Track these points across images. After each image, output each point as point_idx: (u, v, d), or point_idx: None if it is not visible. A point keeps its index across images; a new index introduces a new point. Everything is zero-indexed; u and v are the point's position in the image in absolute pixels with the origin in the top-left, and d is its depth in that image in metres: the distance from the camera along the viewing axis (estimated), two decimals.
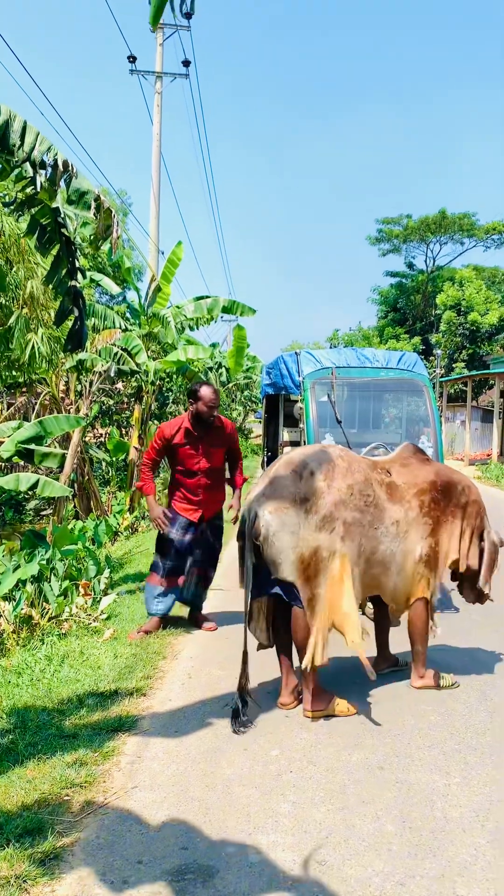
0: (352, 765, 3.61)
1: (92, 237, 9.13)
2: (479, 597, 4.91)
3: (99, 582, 6.51)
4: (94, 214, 5.18)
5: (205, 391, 5.39)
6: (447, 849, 2.92)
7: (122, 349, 12.24)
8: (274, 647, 4.44)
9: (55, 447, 10.59)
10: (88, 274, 13.20)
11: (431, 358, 35.94)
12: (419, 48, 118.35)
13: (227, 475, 6.05)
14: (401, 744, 3.85)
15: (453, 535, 4.60)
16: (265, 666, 4.69)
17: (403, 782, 3.44)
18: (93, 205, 5.19)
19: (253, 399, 34.64)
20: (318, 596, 4.02)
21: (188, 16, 19.65)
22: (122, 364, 12.25)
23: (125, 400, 16.45)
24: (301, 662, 4.10)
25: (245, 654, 4.08)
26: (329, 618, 4.04)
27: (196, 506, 5.68)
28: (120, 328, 12.37)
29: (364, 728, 4.04)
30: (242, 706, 4.03)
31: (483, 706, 4.38)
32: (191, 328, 14.12)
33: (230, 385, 30.38)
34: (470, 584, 4.87)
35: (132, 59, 19.11)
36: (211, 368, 26.52)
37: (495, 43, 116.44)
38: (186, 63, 20.10)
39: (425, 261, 47.92)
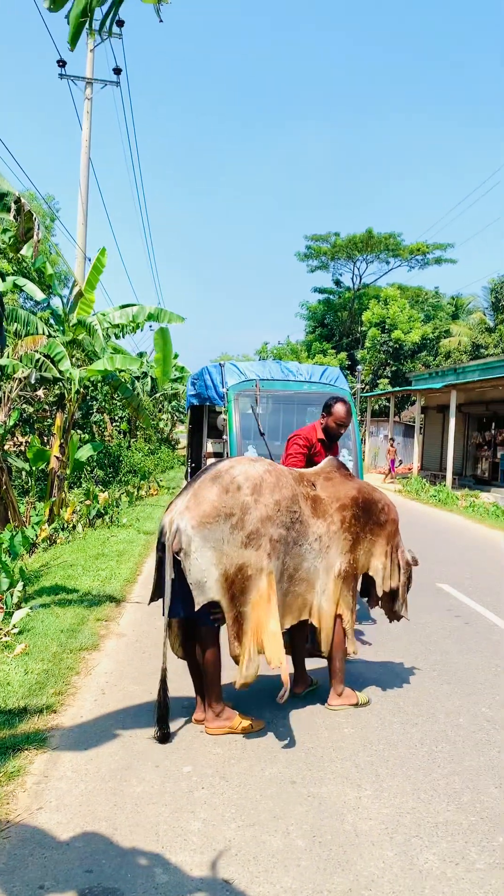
0: (264, 780, 3.58)
1: (11, 240, 8.90)
2: (396, 616, 4.99)
3: (12, 595, 6.30)
4: (14, 217, 5.05)
5: (338, 409, 5.13)
6: (356, 863, 2.92)
7: (44, 356, 11.97)
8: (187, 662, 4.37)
9: None
10: (12, 279, 12.87)
11: (357, 372, 36.58)
12: (350, 67, 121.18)
13: None
14: (314, 757, 3.85)
15: (370, 553, 4.65)
16: (181, 680, 4.62)
17: (315, 796, 3.44)
18: (13, 207, 5.06)
19: (180, 409, 34.48)
20: (245, 614, 3.95)
21: (116, 71, 19.55)
22: (45, 371, 11.98)
23: (46, 408, 16.09)
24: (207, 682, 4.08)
25: (164, 670, 3.99)
26: (256, 637, 3.97)
27: None
28: (44, 334, 12.09)
29: (278, 743, 4.02)
30: (161, 725, 3.94)
31: (397, 718, 4.43)
32: (116, 336, 13.94)
33: (157, 395, 30.18)
34: (389, 603, 4.93)
35: (62, 63, 18.86)
36: (138, 378, 26.28)
37: (426, 69, 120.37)
38: (118, 71, 19.99)
39: (352, 278, 48.94)
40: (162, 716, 3.95)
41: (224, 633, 4.08)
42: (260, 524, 4.01)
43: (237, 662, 4.00)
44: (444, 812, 3.34)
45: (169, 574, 3.94)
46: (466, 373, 24.42)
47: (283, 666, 3.97)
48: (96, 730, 4.09)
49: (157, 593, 4.21)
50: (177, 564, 3.94)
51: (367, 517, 4.61)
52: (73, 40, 3.36)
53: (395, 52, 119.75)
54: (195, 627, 4.14)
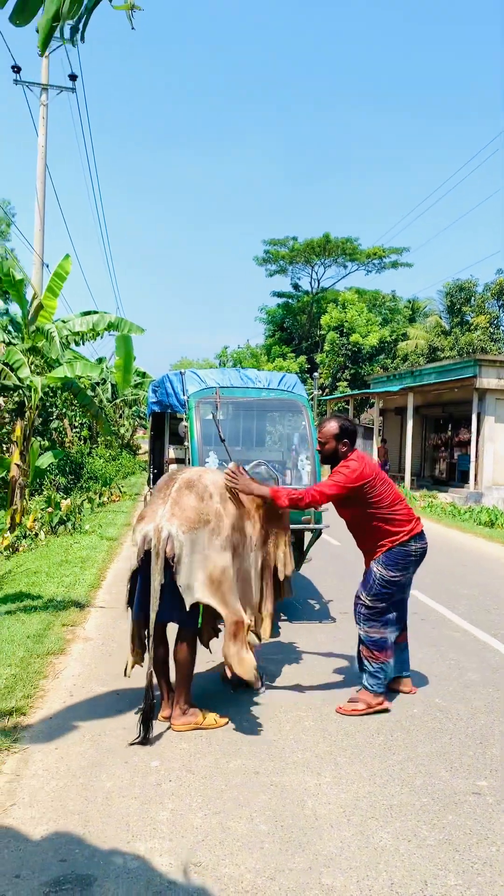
0: (229, 771, 3.76)
1: None
2: (288, 595, 5.23)
3: None
4: None
5: (321, 426, 4.84)
6: (315, 843, 3.12)
7: (2, 363, 11.99)
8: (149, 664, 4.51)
9: None
10: None
11: (316, 375, 36.96)
12: (302, 69, 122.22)
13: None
14: (276, 749, 4.04)
15: (276, 545, 4.94)
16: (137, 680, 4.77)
17: (277, 784, 3.63)
18: None
19: (141, 415, 34.42)
20: (236, 609, 4.25)
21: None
22: (4, 379, 11.99)
23: (6, 416, 16.03)
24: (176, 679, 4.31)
25: (149, 675, 4.14)
26: (246, 629, 4.29)
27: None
28: (2, 342, 12.11)
29: (242, 736, 4.20)
30: (145, 728, 4.06)
31: None
32: (76, 343, 13.99)
33: (117, 401, 30.11)
34: (284, 586, 5.15)
35: (16, 69, 18.81)
36: (98, 384, 26.21)
37: (381, 69, 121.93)
38: (73, 77, 20.01)
39: (310, 282, 49.36)
40: (146, 719, 4.06)
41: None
42: (230, 530, 4.33)
43: (230, 661, 4.27)
44: (398, 795, 3.56)
45: (159, 580, 4.10)
46: (423, 375, 24.90)
47: (249, 673, 4.27)
48: (66, 730, 4.22)
49: (134, 599, 4.35)
50: (166, 570, 4.11)
51: (273, 512, 4.86)
52: (44, 46, 3.26)
53: (347, 50, 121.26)
54: (164, 631, 4.31)
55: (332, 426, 4.75)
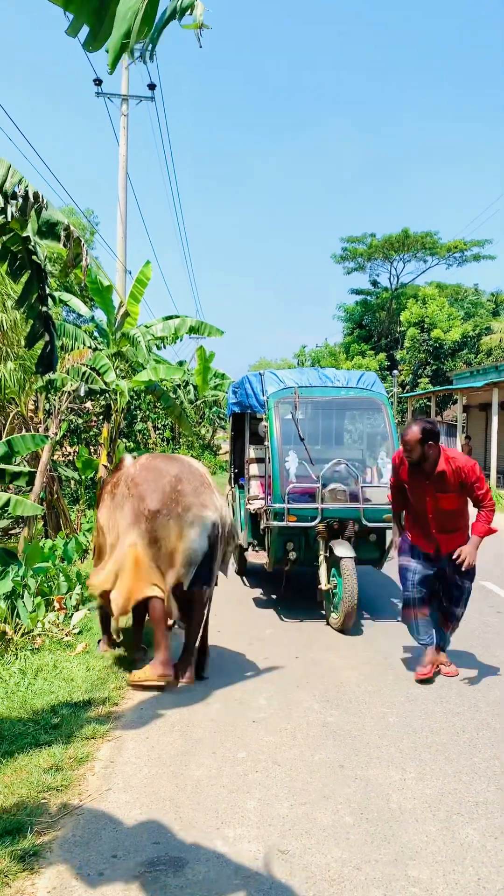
0: (314, 764, 3.83)
1: (62, 266, 9.32)
2: None
3: (71, 598, 6.66)
4: (64, 244, 5.40)
5: (404, 434, 4.86)
6: (401, 836, 3.15)
7: (90, 368, 12.40)
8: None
9: (25, 466, 10.69)
10: (57, 295, 13.35)
11: (396, 373, 36.52)
12: (381, 70, 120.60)
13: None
14: (360, 744, 4.09)
15: None
16: (232, 674, 4.90)
17: (362, 778, 3.67)
18: (62, 235, 5.40)
19: (221, 416, 34.84)
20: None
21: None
22: (91, 383, 12.41)
23: (93, 418, 16.57)
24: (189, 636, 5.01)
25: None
26: None
27: (430, 541, 5.16)
28: (89, 347, 12.53)
29: (326, 731, 4.27)
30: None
31: (439, 708, 4.64)
32: (158, 347, 14.34)
33: (198, 402, 30.59)
34: None
35: (98, 82, 19.39)
36: (179, 386, 26.71)
37: (458, 70, 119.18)
38: (152, 86, 20.45)
39: (389, 278, 48.77)
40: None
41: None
42: None
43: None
44: (484, 792, 3.55)
45: (219, 561, 5.10)
46: None
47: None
48: (156, 720, 4.39)
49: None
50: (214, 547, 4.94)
51: None
52: (114, 65, 3.38)
53: (417, 46, 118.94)
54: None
55: (415, 432, 4.78)
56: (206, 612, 5.11)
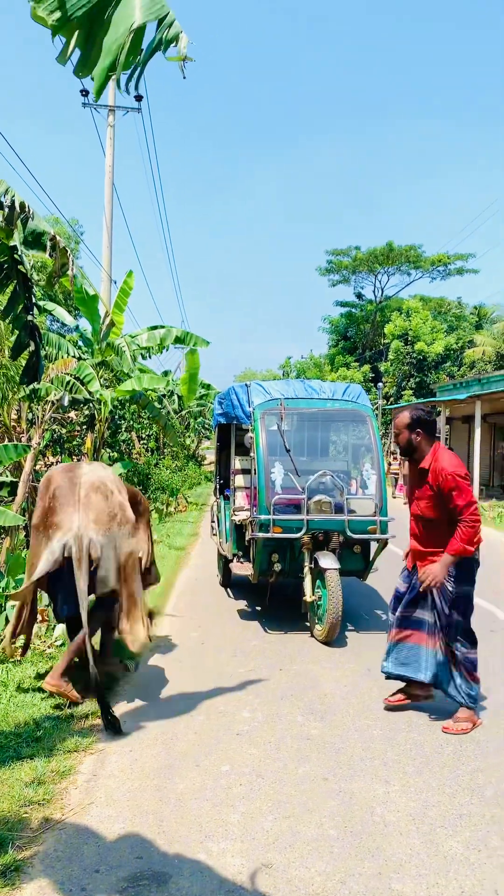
0: (298, 777, 3.82)
1: (48, 275, 9.31)
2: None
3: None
4: (50, 254, 5.40)
5: (395, 416, 4.59)
6: (385, 849, 3.15)
7: (74, 378, 12.35)
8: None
9: (7, 476, 10.62)
10: (42, 304, 13.31)
11: (381, 385, 36.69)
12: (364, 82, 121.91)
13: None
14: (344, 756, 4.08)
15: (145, 534, 5.58)
16: (216, 686, 4.87)
17: (346, 791, 3.67)
18: (48, 245, 5.40)
19: (206, 426, 34.83)
20: (134, 591, 4.94)
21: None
22: (75, 392, 12.35)
23: (77, 428, 16.50)
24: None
25: (96, 675, 4.43)
26: (144, 605, 5.07)
27: (411, 551, 4.81)
28: (74, 357, 12.49)
29: (310, 744, 4.25)
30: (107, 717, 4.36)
31: (422, 720, 4.64)
32: (143, 357, 14.32)
33: (183, 412, 30.56)
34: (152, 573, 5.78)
35: (84, 92, 19.44)
36: (164, 396, 26.67)
37: (444, 79, 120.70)
38: (139, 98, 20.54)
39: (374, 291, 49.06)
40: (102, 703, 4.38)
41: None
42: (130, 514, 4.94)
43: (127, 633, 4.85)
44: (467, 805, 3.55)
45: (85, 581, 4.55)
46: (491, 383, 24.43)
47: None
48: (139, 733, 4.36)
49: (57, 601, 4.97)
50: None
51: (142, 505, 5.61)
52: (99, 92, 3.50)
53: (406, 59, 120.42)
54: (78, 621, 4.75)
55: (404, 416, 4.60)
56: (83, 634, 4.60)
